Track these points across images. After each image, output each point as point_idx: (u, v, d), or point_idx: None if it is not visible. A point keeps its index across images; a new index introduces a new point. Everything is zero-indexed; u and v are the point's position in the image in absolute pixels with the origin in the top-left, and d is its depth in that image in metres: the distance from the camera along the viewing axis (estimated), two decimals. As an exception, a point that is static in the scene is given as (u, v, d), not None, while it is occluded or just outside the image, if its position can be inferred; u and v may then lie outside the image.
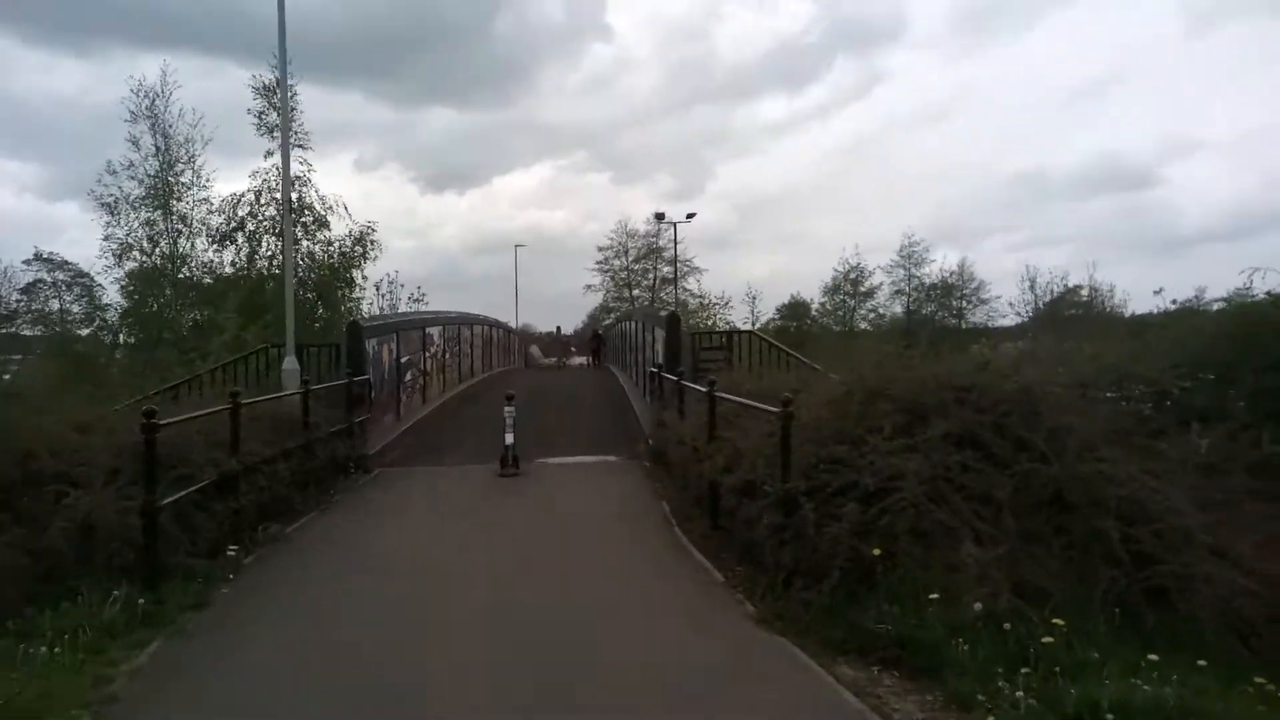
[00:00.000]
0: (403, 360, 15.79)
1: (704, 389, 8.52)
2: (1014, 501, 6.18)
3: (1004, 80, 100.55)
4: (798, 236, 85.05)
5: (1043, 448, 6.50)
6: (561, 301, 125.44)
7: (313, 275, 21.77)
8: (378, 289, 23.67)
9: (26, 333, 32.95)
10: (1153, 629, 5.21)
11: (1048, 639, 4.70)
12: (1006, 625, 4.91)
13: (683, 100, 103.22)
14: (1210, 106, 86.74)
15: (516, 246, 56.99)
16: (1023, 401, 6.92)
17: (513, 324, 46.90)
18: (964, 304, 64.91)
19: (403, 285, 24.82)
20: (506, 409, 11.69)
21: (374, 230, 22.23)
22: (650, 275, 63.00)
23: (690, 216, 47.00)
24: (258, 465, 8.67)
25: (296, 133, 22.08)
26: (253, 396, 10.68)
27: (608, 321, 57.69)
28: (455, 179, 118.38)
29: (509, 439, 11.59)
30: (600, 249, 62.54)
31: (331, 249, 22.10)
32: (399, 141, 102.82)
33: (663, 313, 14.55)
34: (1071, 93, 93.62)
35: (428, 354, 18.30)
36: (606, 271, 62.98)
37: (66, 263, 31.89)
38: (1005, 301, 58.44)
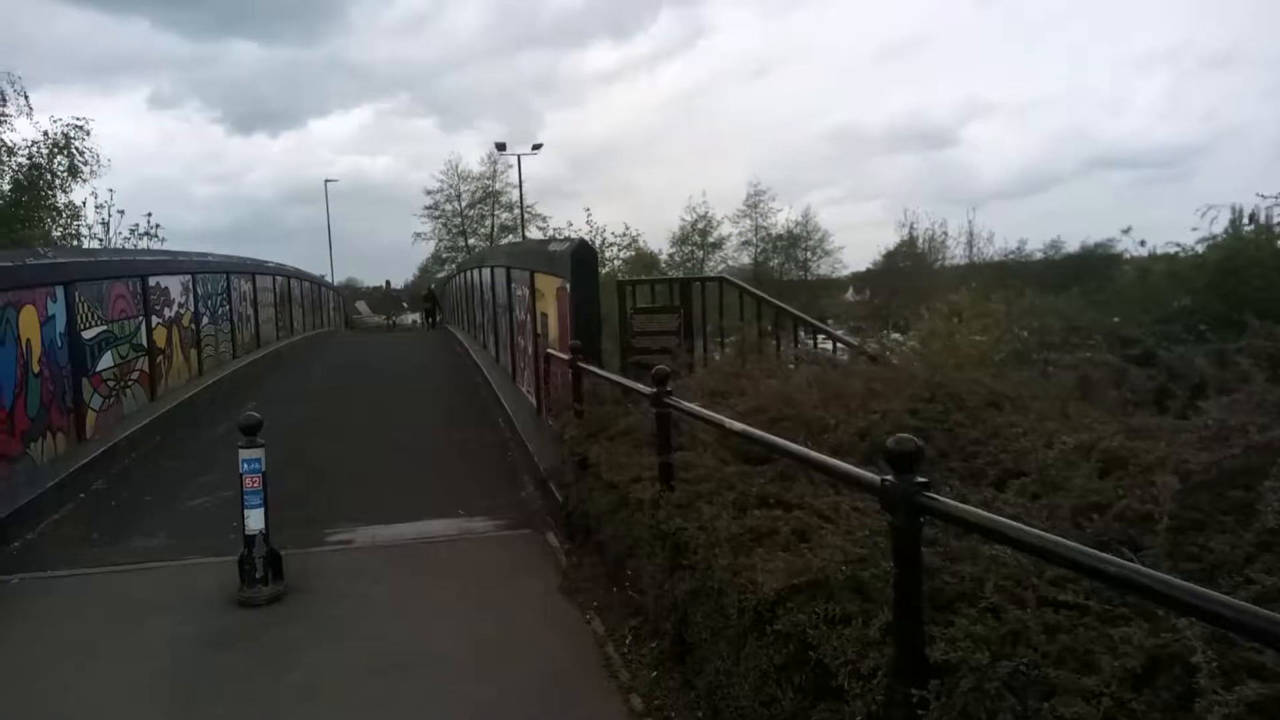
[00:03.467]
0: (88, 335, 8.58)
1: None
2: None
3: (820, 37, 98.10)
4: (630, 188, 78.95)
5: None
6: (390, 254, 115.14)
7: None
8: (78, 217, 15.45)
9: None
10: None
11: None
12: None
13: (509, 43, 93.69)
14: (1002, 72, 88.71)
15: (327, 182, 47.40)
16: None
17: (328, 277, 38.36)
18: (809, 255, 62.15)
19: (121, 212, 16.63)
20: (245, 457, 4.99)
21: (86, 133, 14.28)
22: (487, 222, 55.57)
23: (537, 148, 40.09)
24: None
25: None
26: None
27: (442, 274, 49.96)
28: (266, 120, 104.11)
29: (253, 523, 4.97)
30: (429, 192, 54.36)
31: (12, 160, 13.84)
32: (199, 76, 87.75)
33: (554, 247, 8.13)
34: (881, 52, 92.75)
35: (160, 320, 10.99)
36: (438, 218, 55.04)
37: None
38: (846, 252, 56.31)
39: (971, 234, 43.20)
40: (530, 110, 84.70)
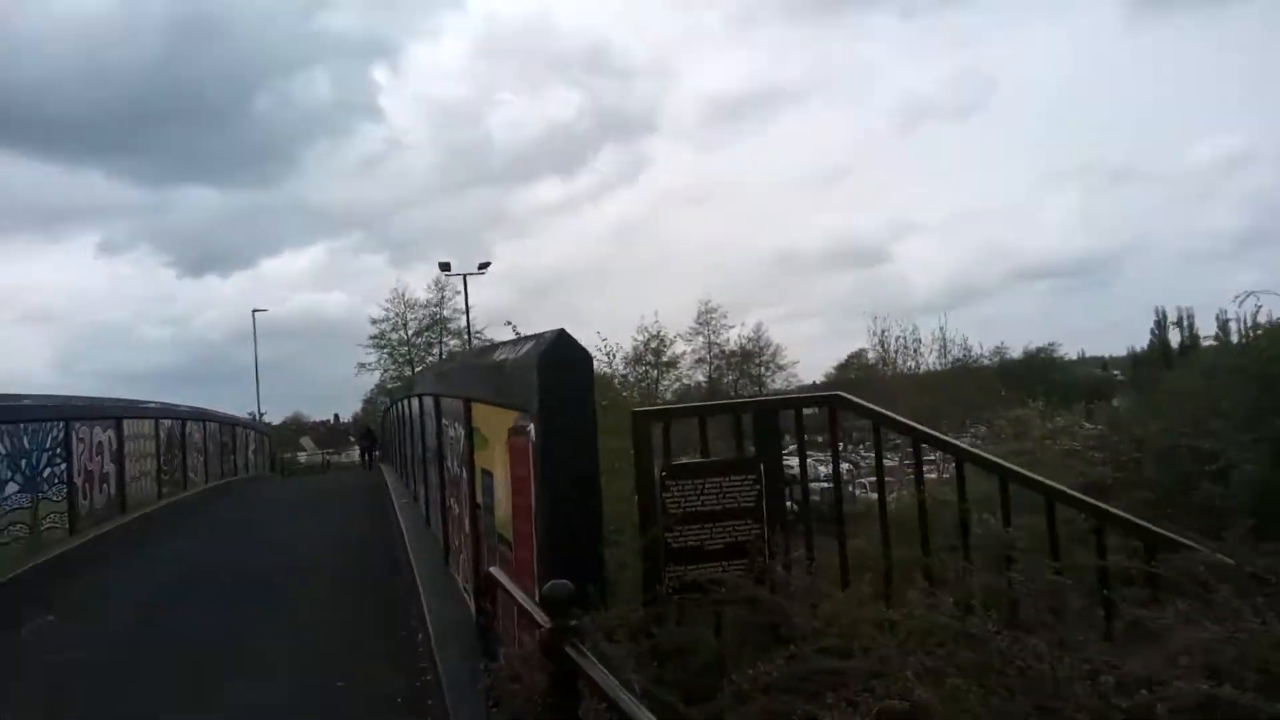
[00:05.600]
0: None
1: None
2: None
3: (753, 168, 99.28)
4: (580, 314, 76.43)
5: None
6: (342, 389, 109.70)
7: None
8: None
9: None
10: None
11: None
12: None
13: (459, 183, 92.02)
14: (922, 194, 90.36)
15: (254, 311, 43.04)
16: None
17: (264, 415, 33.73)
18: (763, 371, 59.77)
19: None
20: None
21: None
22: (435, 350, 51.76)
23: (484, 267, 37.01)
24: None
25: None
26: None
27: (388, 404, 45.69)
28: (216, 261, 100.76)
29: None
30: (375, 321, 50.47)
31: None
32: (151, 222, 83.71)
33: (503, 355, 4.35)
34: (810, 180, 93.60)
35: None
36: (383, 347, 50.97)
37: None
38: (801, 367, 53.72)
39: (945, 339, 39.99)
40: (481, 243, 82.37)
